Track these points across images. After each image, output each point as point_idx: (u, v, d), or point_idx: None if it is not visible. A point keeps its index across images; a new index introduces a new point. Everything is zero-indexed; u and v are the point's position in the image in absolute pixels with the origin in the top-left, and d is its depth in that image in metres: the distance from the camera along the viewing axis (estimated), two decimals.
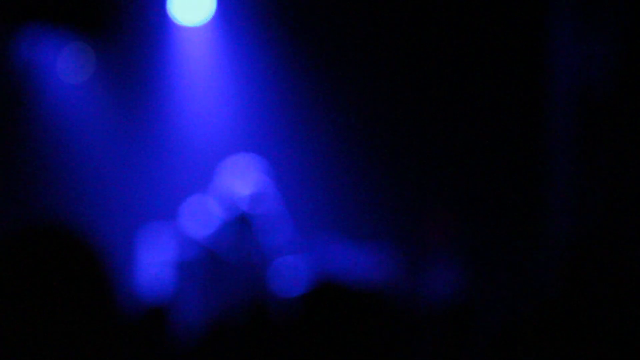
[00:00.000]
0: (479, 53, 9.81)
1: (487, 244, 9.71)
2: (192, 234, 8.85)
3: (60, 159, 10.16)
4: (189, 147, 10.21)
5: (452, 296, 8.43)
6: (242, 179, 9.00)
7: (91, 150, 10.22)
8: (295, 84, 10.15)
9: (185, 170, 10.04)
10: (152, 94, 10.26)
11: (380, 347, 2.66)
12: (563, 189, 8.86)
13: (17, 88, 10.03)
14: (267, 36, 10.07)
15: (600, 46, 8.30)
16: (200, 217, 8.88)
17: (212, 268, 8.78)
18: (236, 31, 10.17)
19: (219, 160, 9.23)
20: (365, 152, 10.18)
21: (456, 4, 9.79)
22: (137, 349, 5.23)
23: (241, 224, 8.94)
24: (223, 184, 9.02)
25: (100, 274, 1.83)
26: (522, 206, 9.75)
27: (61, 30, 9.85)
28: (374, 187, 10.12)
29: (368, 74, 10.14)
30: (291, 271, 8.61)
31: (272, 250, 8.88)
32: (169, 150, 10.24)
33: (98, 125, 10.25)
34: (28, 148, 10.06)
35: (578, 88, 8.63)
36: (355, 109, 10.17)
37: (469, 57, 9.83)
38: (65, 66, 9.99)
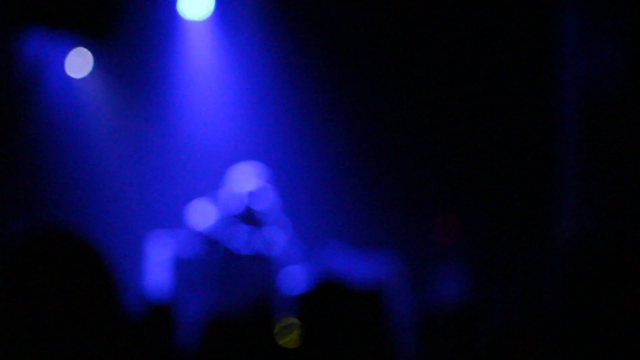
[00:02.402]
0: (486, 56, 9.80)
1: (492, 246, 9.70)
2: (199, 232, 8.88)
3: (67, 162, 10.17)
4: (196, 152, 10.22)
5: (457, 299, 8.44)
6: (247, 185, 9.05)
7: (98, 153, 10.23)
8: (295, 88, 10.14)
9: (191, 173, 10.05)
10: (159, 96, 10.28)
11: (380, 347, 2.66)
12: (569, 191, 8.86)
13: (27, 90, 10.03)
14: (266, 33, 10.07)
15: (606, 48, 8.30)
16: (208, 216, 8.91)
17: (218, 265, 8.81)
18: (236, 27, 10.18)
19: (225, 166, 9.26)
20: (368, 156, 10.16)
21: (463, 6, 9.78)
22: (142, 348, 5.24)
23: (248, 221, 8.97)
24: (230, 188, 9.05)
25: (103, 274, 1.85)
26: (527, 209, 9.73)
27: (70, 31, 9.86)
28: (378, 192, 10.10)
29: (371, 74, 10.12)
30: (295, 272, 8.63)
31: (277, 250, 8.91)
32: (177, 154, 10.25)
33: (106, 130, 10.27)
34: (36, 152, 10.06)
35: (584, 90, 8.63)
36: (358, 112, 10.15)
37: (475, 60, 9.82)
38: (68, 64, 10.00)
